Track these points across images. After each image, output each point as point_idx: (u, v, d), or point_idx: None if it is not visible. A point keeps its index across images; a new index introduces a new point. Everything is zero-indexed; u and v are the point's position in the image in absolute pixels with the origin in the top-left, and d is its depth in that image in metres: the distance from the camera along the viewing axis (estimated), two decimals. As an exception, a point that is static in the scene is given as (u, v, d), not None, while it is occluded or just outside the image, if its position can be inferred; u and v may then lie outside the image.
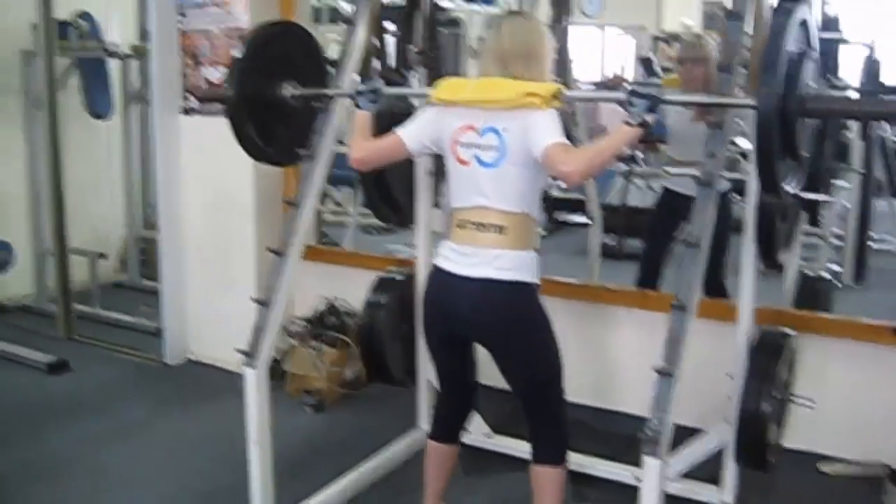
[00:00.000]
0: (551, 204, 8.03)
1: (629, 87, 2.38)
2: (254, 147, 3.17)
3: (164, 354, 5.01)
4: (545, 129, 2.47)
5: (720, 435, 3.30)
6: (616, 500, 3.41)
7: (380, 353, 3.66)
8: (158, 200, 4.97)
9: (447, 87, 2.72)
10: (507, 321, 2.66)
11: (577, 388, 4.20)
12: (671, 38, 11.40)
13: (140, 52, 5.87)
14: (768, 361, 3.03)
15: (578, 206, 6.42)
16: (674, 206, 4.48)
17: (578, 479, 3.58)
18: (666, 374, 2.32)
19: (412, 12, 3.47)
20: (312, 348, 4.40)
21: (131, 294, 6.35)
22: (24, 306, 5.99)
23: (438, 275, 2.73)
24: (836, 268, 5.77)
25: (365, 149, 2.86)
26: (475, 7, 9.21)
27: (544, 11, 4.67)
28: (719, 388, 3.20)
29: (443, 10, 9.23)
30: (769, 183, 2.44)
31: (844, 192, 5.96)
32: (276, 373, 4.40)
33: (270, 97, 3.15)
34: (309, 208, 3.13)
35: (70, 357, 4.98)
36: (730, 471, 3.30)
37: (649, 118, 2.36)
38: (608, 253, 6.57)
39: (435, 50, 3.45)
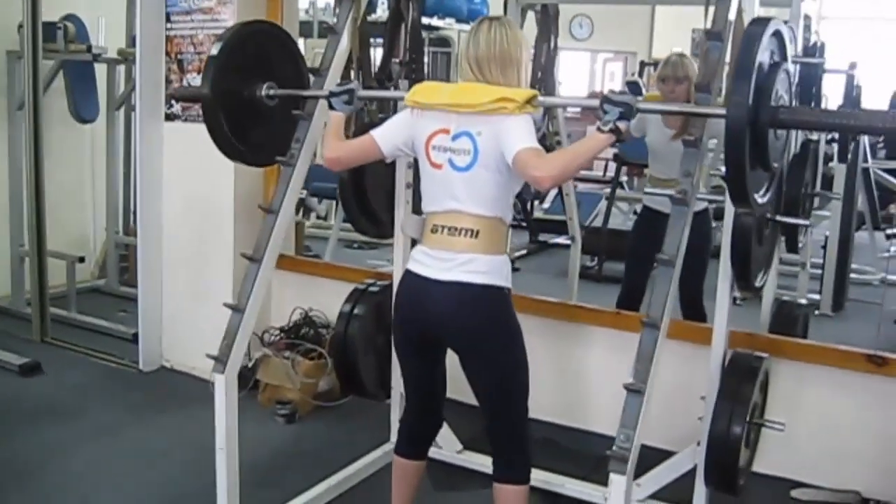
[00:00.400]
0: (534, 224, 8.07)
1: (603, 95, 2.44)
2: (227, 145, 3.16)
3: (138, 360, 4.96)
4: (517, 134, 2.49)
5: (691, 457, 3.29)
6: (585, 519, 3.41)
7: (353, 364, 3.64)
8: (138, 205, 4.93)
9: (422, 90, 2.74)
10: (480, 322, 2.65)
11: (550, 406, 4.26)
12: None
13: (126, 57, 5.87)
14: (739, 384, 3.04)
15: (561, 228, 6.43)
16: (654, 225, 4.48)
17: (548, 498, 3.58)
18: (635, 391, 2.30)
19: (397, 23, 3.47)
20: (286, 358, 4.37)
21: (109, 300, 6.32)
22: (0, 308, 5.93)
23: (411, 279, 2.72)
24: (814, 296, 5.80)
25: (338, 148, 2.85)
26: (465, 26, 9.26)
27: (530, 29, 4.65)
28: (694, 411, 3.21)
29: (434, 28, 9.31)
30: (739, 193, 2.44)
31: (827, 222, 6.00)
32: (249, 382, 4.40)
33: (247, 96, 3.15)
34: (285, 215, 3.09)
35: (43, 360, 4.94)
36: (699, 493, 3.28)
37: (622, 125, 2.40)
38: (588, 275, 6.60)
39: (418, 62, 3.44)
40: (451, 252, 2.62)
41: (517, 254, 7.45)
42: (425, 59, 9.91)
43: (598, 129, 2.42)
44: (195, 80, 4.55)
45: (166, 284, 4.98)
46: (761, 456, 3.48)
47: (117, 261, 6.52)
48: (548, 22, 4.65)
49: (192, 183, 4.76)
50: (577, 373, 4.25)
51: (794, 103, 2.61)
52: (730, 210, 3.01)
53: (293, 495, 3.41)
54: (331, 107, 2.95)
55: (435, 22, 9.09)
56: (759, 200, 2.59)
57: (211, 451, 2.98)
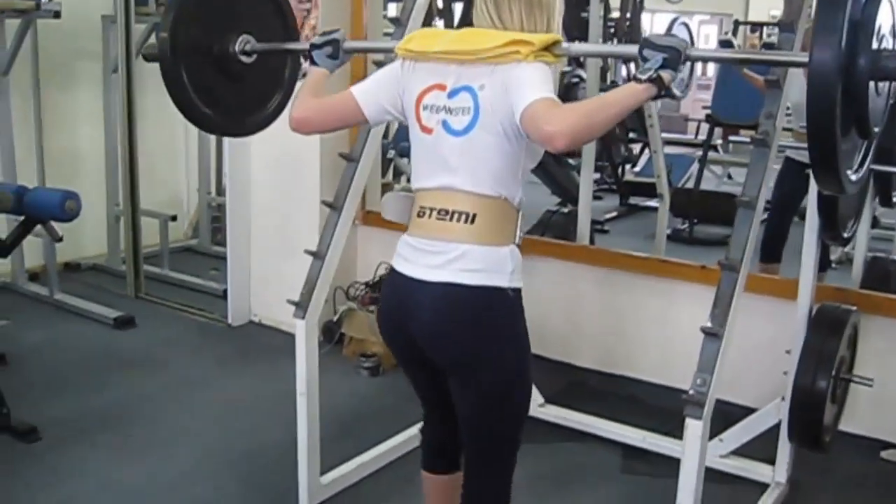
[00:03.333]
0: (625, 187, 8.00)
1: (644, 38, 2.00)
2: (192, 110, 2.75)
3: (227, 315, 5.08)
4: (529, 84, 1.94)
5: (776, 412, 3.23)
6: (665, 473, 3.34)
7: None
8: (227, 165, 5.03)
9: (418, 37, 2.21)
10: (473, 339, 2.07)
11: (636, 362, 4.24)
12: (756, 27, 11.21)
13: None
14: (826, 336, 2.96)
15: (652, 191, 6.36)
16: (796, 176, 4.45)
17: (628, 453, 3.57)
18: (712, 334, 2.25)
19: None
20: (371, 312, 4.42)
21: (201, 259, 6.47)
22: (97, 265, 6.12)
23: (394, 279, 2.17)
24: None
25: (309, 107, 2.30)
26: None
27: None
28: (780, 368, 3.15)
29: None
30: (826, 170, 1.96)
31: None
32: (335, 335, 4.47)
33: (217, 52, 2.75)
34: (366, 162, 3.08)
35: (137, 314, 5.09)
36: (784, 450, 3.23)
37: (665, 75, 1.93)
38: (678, 237, 6.54)
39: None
40: (441, 242, 2.06)
41: (607, 216, 7.39)
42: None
43: (635, 77, 1.96)
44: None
45: (255, 242, 5.07)
46: (850, 415, 3.40)
47: (209, 221, 6.66)
48: (634, -26, 4.56)
49: (278, 141, 4.78)
50: (664, 329, 4.20)
51: None
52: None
53: (371, 445, 3.45)
54: (312, 62, 2.49)
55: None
56: (853, 178, 2.09)
57: (295, 402, 3.02)
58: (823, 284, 3.32)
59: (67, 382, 4.17)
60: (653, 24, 9.90)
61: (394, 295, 2.19)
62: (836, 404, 3.13)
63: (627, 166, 8.50)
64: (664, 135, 6.11)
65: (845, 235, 3.17)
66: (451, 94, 2.05)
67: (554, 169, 6.22)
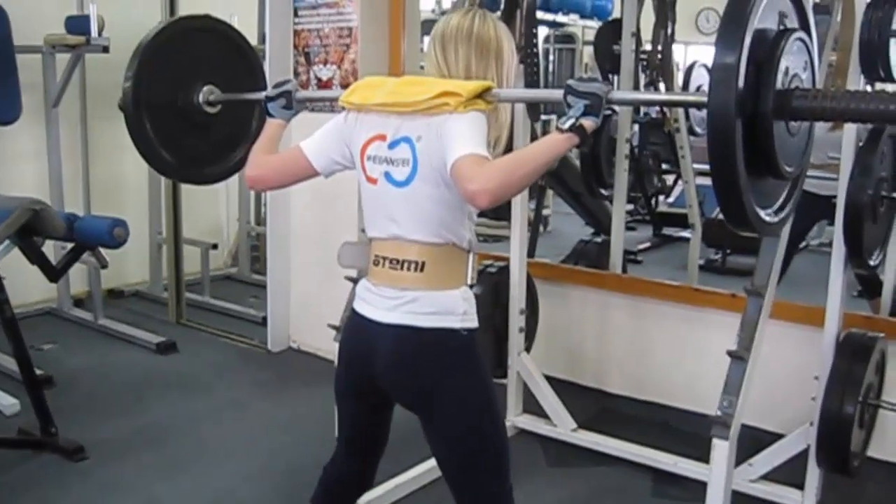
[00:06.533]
0: (658, 218, 8.03)
1: (567, 83, 1.96)
2: (156, 160, 2.80)
3: (267, 341, 5.20)
4: (458, 138, 1.93)
5: (804, 437, 3.27)
6: (696, 498, 3.38)
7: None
8: (268, 194, 5.17)
9: (361, 87, 2.20)
10: (428, 378, 2.09)
11: (667, 389, 4.29)
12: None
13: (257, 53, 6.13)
14: (853, 363, 3.01)
15: (685, 222, 6.40)
16: (809, 208, 4.48)
17: (660, 477, 3.61)
18: (738, 357, 2.32)
19: (512, 9, 3.54)
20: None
21: (241, 287, 6.63)
22: (139, 292, 6.30)
23: (355, 319, 2.21)
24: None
25: (263, 165, 2.31)
26: (590, 22, 9.27)
27: (648, 19, 4.67)
28: (808, 393, 3.18)
29: (558, 25, 9.34)
30: (731, 211, 1.90)
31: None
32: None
33: (181, 103, 2.78)
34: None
35: (179, 340, 5.24)
36: (812, 474, 3.26)
37: (587, 123, 1.91)
38: (711, 268, 6.56)
39: (532, 46, 3.50)
40: (395, 289, 2.09)
41: (640, 246, 7.44)
42: (550, 57, 9.97)
43: (557, 127, 1.93)
44: (321, 71, 4.74)
45: (294, 271, 5.20)
46: (879, 441, 3.43)
47: (249, 250, 6.81)
48: (664, 8, 4.67)
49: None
50: (695, 357, 4.25)
51: (817, 84, 2.07)
52: (842, 185, 2.97)
53: (408, 466, 3.50)
54: (268, 114, 2.50)
55: (559, 18, 9.12)
56: (767, 219, 2.04)
57: (331, 424, 3.09)
58: (851, 312, 3.35)
59: (112, 404, 4.31)
60: (686, 55, 9.98)
61: (354, 334, 2.23)
62: (864, 430, 3.17)
63: (660, 197, 8.54)
64: (696, 165, 6.16)
65: (872, 263, 3.22)
66: (392, 146, 2.07)
67: (587, 200, 6.31)
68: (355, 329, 2.21)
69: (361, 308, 2.17)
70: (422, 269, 2.07)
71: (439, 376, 2.08)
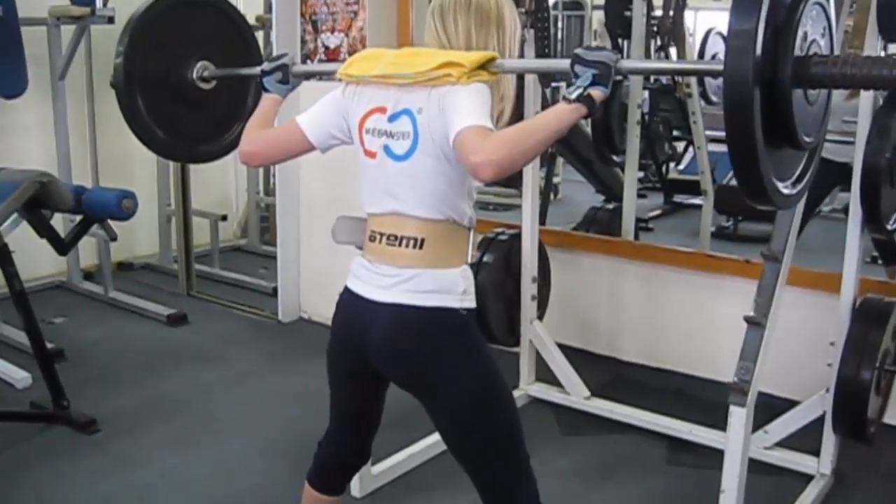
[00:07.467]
0: (669, 185, 7.99)
1: (574, 52, 1.89)
2: (153, 140, 2.76)
3: (277, 312, 5.20)
4: (461, 110, 1.87)
5: (820, 404, 3.24)
6: (711, 465, 3.37)
7: (482, 310, 3.70)
8: (277, 167, 5.12)
9: (359, 60, 2.14)
10: (427, 359, 2.04)
11: (680, 356, 4.27)
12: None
13: (264, 23, 6.08)
14: (869, 328, 2.98)
15: (696, 188, 6.36)
16: (825, 175, 4.44)
17: (674, 445, 3.60)
18: (755, 323, 2.30)
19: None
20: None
21: (251, 258, 6.62)
22: (149, 264, 6.30)
23: (347, 297, 2.14)
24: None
25: (257, 140, 2.28)
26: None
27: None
28: (824, 360, 3.16)
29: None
30: (750, 184, 1.84)
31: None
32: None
33: (175, 79, 2.73)
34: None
35: (189, 311, 5.24)
36: (829, 441, 3.24)
37: (595, 93, 1.85)
38: (722, 234, 6.52)
39: (542, 10, 3.46)
40: (392, 267, 2.03)
41: (651, 214, 7.40)
42: (559, 24, 9.91)
43: (564, 97, 1.86)
44: (328, 39, 4.68)
45: (303, 241, 5.18)
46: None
47: (258, 221, 6.80)
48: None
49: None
50: (709, 323, 4.23)
51: (835, 51, 1.97)
52: (859, 149, 2.93)
53: (421, 436, 3.49)
54: (264, 88, 2.44)
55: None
56: (785, 191, 1.99)
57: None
58: (867, 277, 3.32)
59: (124, 376, 4.31)
60: (696, 21, 9.87)
61: (346, 312, 2.16)
62: (881, 396, 3.15)
63: (671, 164, 8.48)
64: (708, 132, 6.11)
65: (889, 227, 3.17)
66: (392, 118, 2.01)
67: (598, 167, 6.26)
68: (349, 307, 2.14)
69: (356, 286, 2.11)
70: (421, 246, 2.01)
71: (439, 357, 2.02)
